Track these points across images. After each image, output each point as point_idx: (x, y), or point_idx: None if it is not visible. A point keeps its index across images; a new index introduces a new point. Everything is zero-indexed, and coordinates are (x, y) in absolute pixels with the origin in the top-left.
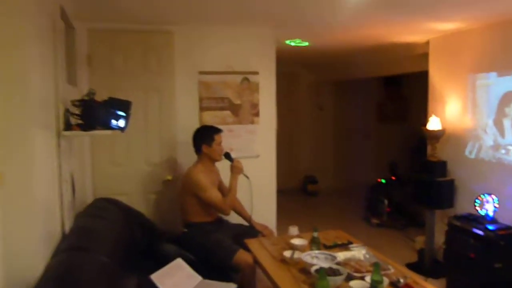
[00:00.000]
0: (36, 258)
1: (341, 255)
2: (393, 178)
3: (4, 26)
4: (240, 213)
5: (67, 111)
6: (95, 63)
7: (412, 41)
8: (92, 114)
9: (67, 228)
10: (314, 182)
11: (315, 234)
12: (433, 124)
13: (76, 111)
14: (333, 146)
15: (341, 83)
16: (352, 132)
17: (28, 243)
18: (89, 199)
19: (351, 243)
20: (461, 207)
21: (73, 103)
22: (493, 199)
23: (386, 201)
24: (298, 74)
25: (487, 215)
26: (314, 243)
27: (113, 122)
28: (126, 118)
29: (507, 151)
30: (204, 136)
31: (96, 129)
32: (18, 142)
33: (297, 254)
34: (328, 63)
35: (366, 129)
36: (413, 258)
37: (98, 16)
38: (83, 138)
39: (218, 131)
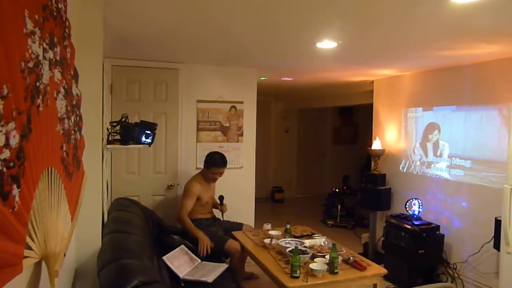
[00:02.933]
0: (97, 235)
1: (307, 242)
2: (345, 188)
3: (88, 62)
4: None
5: (107, 129)
6: (116, 92)
7: (361, 80)
8: (128, 132)
9: (105, 218)
10: (281, 191)
11: (288, 226)
12: (376, 145)
13: (112, 130)
14: (297, 162)
15: (304, 110)
16: (312, 151)
17: (93, 225)
18: (110, 200)
19: (314, 234)
20: (396, 209)
21: (111, 123)
22: (418, 202)
23: (339, 207)
24: (270, 102)
25: (414, 214)
26: (287, 233)
27: (143, 138)
28: (153, 136)
29: (429, 167)
30: (208, 161)
31: (130, 144)
32: (95, 150)
33: (274, 241)
34: (294, 94)
35: (324, 149)
36: (360, 249)
37: (121, 55)
38: (109, 151)
39: (218, 165)
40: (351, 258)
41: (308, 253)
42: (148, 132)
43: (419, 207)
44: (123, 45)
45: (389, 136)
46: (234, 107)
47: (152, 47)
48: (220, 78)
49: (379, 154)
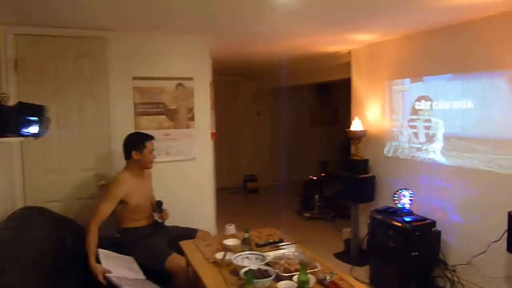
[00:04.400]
0: None
1: (271, 254)
2: (324, 175)
3: None
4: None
5: None
6: (23, 69)
7: (337, 51)
8: (2, 119)
9: None
10: (254, 180)
11: (246, 235)
12: (355, 126)
13: None
14: (271, 147)
15: (277, 90)
16: (287, 135)
17: None
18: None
19: (282, 240)
20: (382, 200)
21: None
22: (409, 193)
23: (316, 196)
24: (238, 82)
25: (403, 208)
26: (246, 244)
27: (25, 128)
28: (40, 123)
29: (420, 150)
30: (135, 143)
31: (7, 136)
32: None
33: (229, 255)
34: (266, 72)
35: (300, 132)
36: (341, 247)
37: (28, 20)
38: (10, 146)
39: (150, 138)
40: (327, 278)
41: (270, 275)
42: (33, 118)
43: (409, 199)
44: (28, 6)
45: (370, 115)
46: (181, 84)
47: (69, 8)
48: (162, 48)
49: (360, 136)
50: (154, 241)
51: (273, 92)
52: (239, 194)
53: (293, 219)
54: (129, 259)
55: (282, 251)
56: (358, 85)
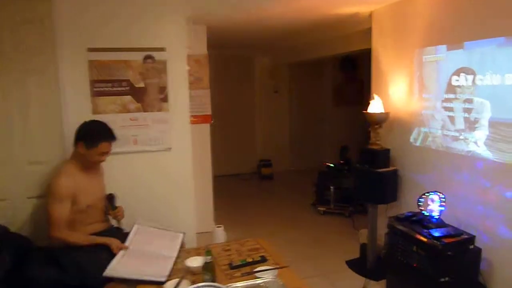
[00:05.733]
0: None
1: (240, 286)
2: (343, 163)
3: None
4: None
5: None
6: None
7: (356, 12)
8: None
9: None
10: (269, 165)
11: (208, 258)
12: (375, 106)
13: None
14: (289, 129)
15: (296, 65)
16: (309, 115)
17: None
18: None
19: (265, 260)
20: (406, 201)
21: None
22: (439, 197)
23: (332, 188)
24: (252, 57)
25: (431, 216)
26: (207, 270)
27: None
28: None
29: (457, 139)
30: (88, 135)
31: None
32: None
33: (184, 285)
34: (281, 45)
35: (322, 112)
36: (357, 252)
37: None
38: None
39: (108, 138)
40: None
41: None
42: None
43: (440, 205)
44: None
45: (395, 93)
46: (151, 57)
47: None
48: (125, 10)
49: (380, 120)
50: (104, 255)
51: (291, 67)
52: (251, 180)
53: (306, 213)
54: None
55: (256, 281)
56: (381, 56)
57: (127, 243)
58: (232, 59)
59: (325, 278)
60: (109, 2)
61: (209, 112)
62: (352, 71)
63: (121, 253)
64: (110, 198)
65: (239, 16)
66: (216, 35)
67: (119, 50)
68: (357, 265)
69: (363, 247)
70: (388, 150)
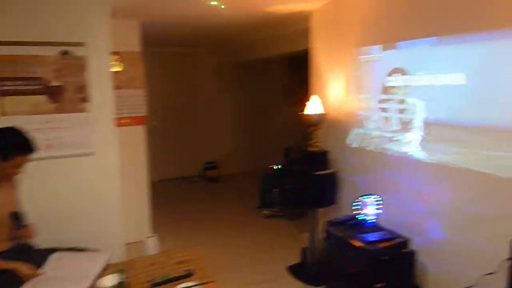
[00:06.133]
0: None
1: None
2: (287, 164)
3: None
4: None
5: None
6: None
7: (296, 12)
8: None
9: None
10: (214, 168)
11: (121, 278)
12: (312, 108)
13: None
14: (235, 130)
15: (242, 65)
16: (255, 116)
17: None
18: None
19: (191, 274)
20: (345, 204)
21: None
22: (375, 200)
23: (275, 190)
24: (198, 54)
25: (365, 221)
26: None
27: None
28: None
29: (392, 140)
30: (1, 148)
31: None
32: None
33: None
34: (226, 44)
35: (270, 113)
36: (297, 257)
37: None
38: None
39: (26, 151)
40: None
41: None
42: None
43: (376, 208)
44: None
45: (333, 94)
46: (68, 52)
47: None
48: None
49: (317, 121)
50: (8, 277)
51: (238, 67)
52: (197, 183)
53: (251, 217)
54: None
55: None
56: (319, 55)
57: (40, 271)
58: (175, 58)
59: (265, 285)
60: None
61: (143, 113)
62: (299, 71)
63: (31, 283)
64: (15, 216)
65: (173, 11)
66: (154, 31)
67: (30, 44)
68: (298, 271)
69: (304, 252)
70: (325, 152)
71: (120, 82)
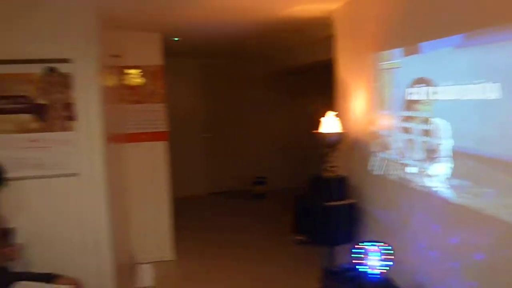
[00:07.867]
0: None
1: None
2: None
3: None
4: None
5: None
6: None
7: (317, 15)
8: None
9: None
10: (262, 183)
11: None
12: (329, 125)
13: None
14: (286, 145)
15: (293, 73)
16: (309, 127)
17: None
18: None
19: None
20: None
21: None
22: (382, 249)
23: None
24: (244, 66)
25: (368, 274)
26: None
27: None
28: None
29: (415, 170)
30: None
31: None
32: None
33: None
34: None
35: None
36: None
37: None
38: None
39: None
40: None
41: None
42: None
43: (381, 259)
44: None
45: (353, 108)
46: (53, 69)
47: None
48: (18, 12)
49: (334, 142)
50: None
51: (288, 77)
52: (240, 199)
53: (282, 242)
54: None
55: None
56: (342, 63)
57: None
58: (222, 68)
59: None
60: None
61: (164, 129)
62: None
63: None
64: (6, 232)
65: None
66: (193, 43)
67: (12, 62)
68: None
69: None
70: (343, 179)
71: (140, 97)
